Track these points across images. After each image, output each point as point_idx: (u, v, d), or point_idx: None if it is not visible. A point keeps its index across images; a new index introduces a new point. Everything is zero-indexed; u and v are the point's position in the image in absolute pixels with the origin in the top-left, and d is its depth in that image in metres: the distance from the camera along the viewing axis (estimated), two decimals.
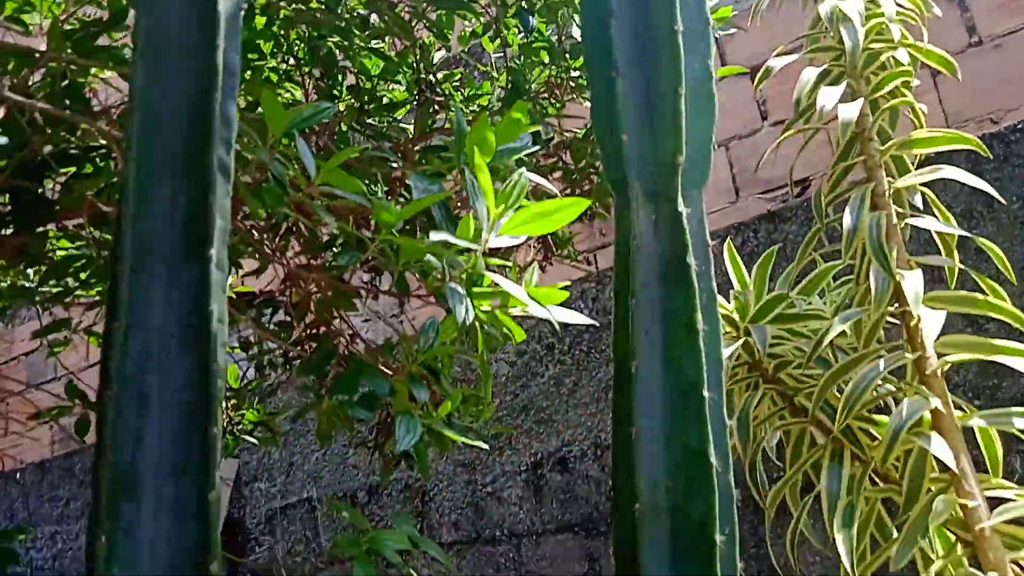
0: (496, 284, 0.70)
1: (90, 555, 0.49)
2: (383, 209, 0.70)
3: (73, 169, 1.12)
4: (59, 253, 1.38)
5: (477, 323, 0.76)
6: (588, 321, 0.81)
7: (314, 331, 1.50)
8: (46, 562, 3.33)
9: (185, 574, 0.50)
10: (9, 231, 1.06)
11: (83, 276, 1.39)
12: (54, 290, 1.47)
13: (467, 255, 0.71)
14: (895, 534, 0.95)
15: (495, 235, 0.69)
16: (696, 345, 0.54)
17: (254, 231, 1.32)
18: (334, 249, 1.46)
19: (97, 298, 1.50)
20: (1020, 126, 1.82)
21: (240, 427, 1.66)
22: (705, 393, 0.54)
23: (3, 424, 3.54)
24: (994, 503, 0.90)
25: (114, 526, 0.49)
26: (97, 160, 1.18)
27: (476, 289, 0.70)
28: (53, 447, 3.53)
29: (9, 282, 1.53)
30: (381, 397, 0.89)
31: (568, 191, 1.70)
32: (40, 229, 1.32)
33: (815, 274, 1.21)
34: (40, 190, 1.16)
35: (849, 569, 0.82)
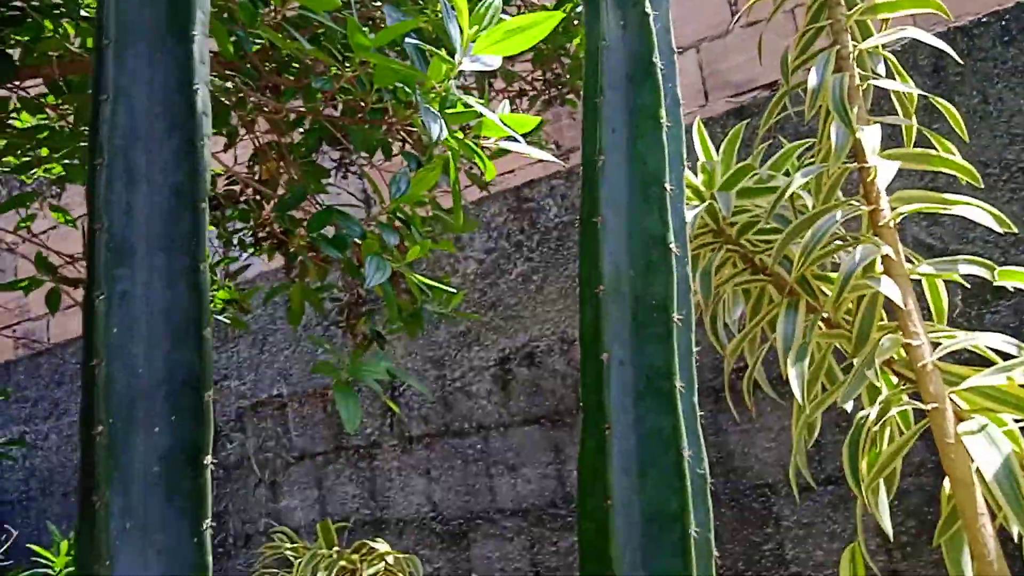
0: (469, 106, 0.71)
1: (88, 318, 0.51)
2: (357, 31, 0.71)
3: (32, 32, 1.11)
4: (21, 122, 1.36)
5: (450, 154, 0.78)
6: (553, 159, 0.84)
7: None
8: (16, 462, 3.36)
9: (179, 335, 0.52)
10: None
11: (45, 151, 1.38)
12: (19, 160, 1.45)
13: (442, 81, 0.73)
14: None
15: (469, 58, 0.70)
16: (660, 138, 0.56)
17: (222, 100, 1.31)
18: (301, 130, 1.46)
19: (64, 174, 1.49)
20: (984, 20, 1.85)
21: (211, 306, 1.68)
22: (667, 185, 0.57)
23: None
24: (937, 348, 0.95)
25: (110, 289, 0.51)
26: (58, 21, 1.16)
27: (449, 111, 0.72)
28: (17, 351, 3.52)
29: None
30: (351, 241, 0.91)
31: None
32: (1, 92, 1.30)
33: (782, 152, 1.24)
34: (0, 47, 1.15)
35: (800, 399, 0.87)
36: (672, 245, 0.56)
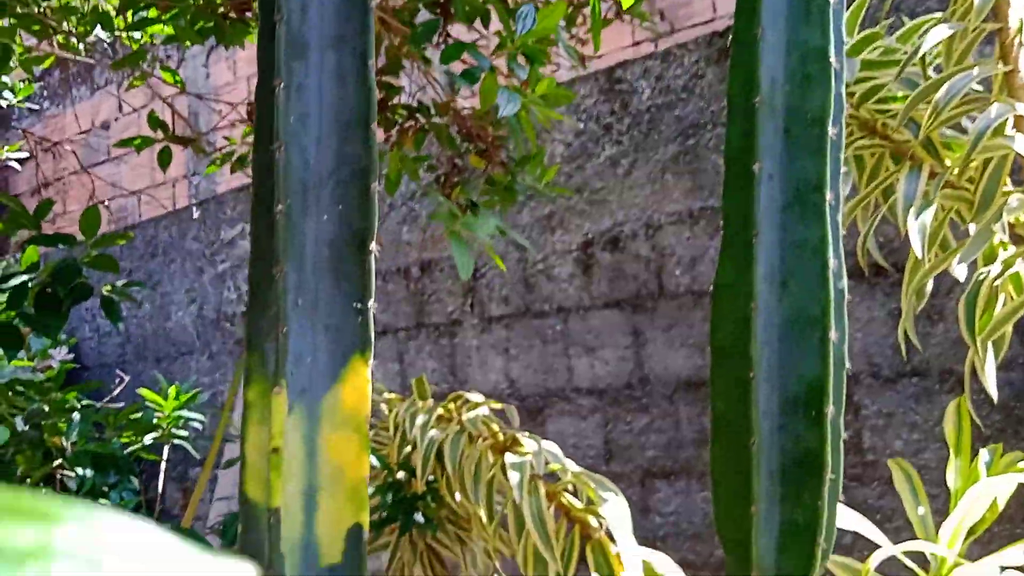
0: None
1: (268, 106, 0.54)
2: None
3: None
4: None
5: None
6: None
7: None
8: (138, 305, 3.55)
9: (347, 130, 0.55)
10: None
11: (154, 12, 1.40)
12: (132, 19, 1.48)
13: None
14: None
15: None
16: None
17: None
18: None
19: (173, 32, 1.52)
20: None
21: None
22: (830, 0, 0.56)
23: (61, 205, 3.66)
24: None
25: (288, 81, 0.54)
26: None
27: None
28: (110, 226, 3.66)
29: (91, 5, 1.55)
30: (479, 74, 0.92)
31: None
32: None
33: (911, 25, 1.19)
34: None
35: (919, 253, 0.87)
36: (832, 59, 0.56)
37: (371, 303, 0.55)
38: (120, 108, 3.47)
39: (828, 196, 0.55)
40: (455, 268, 2.80)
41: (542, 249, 2.56)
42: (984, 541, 0.92)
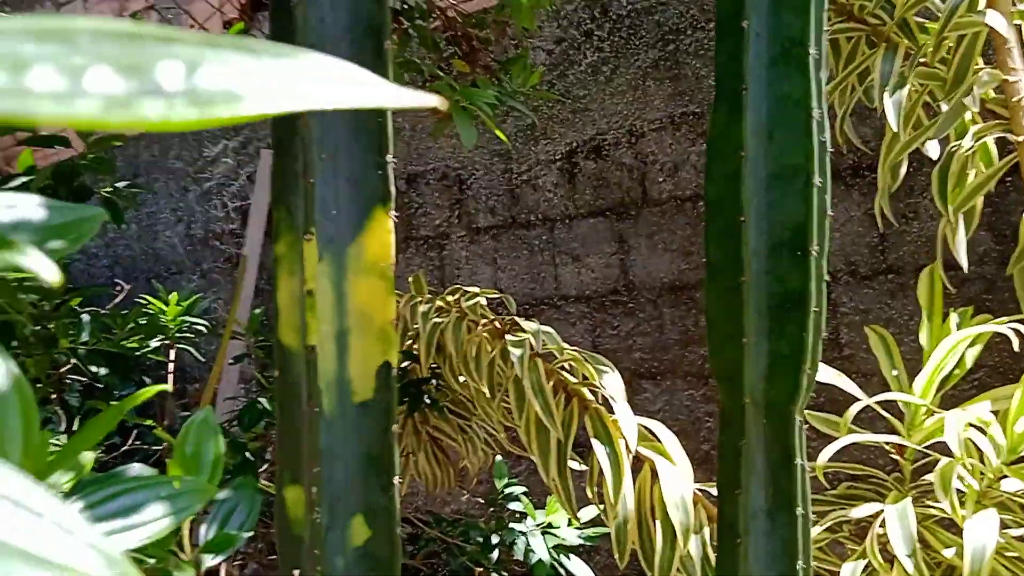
0: None
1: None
2: None
3: None
4: None
5: None
6: None
7: None
8: (124, 228, 3.55)
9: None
10: None
11: None
12: None
13: None
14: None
15: None
16: None
17: None
18: None
19: None
20: None
21: None
22: None
23: None
24: None
25: None
26: None
27: None
28: None
29: None
30: None
31: None
32: None
33: None
34: None
35: (896, 127, 0.92)
36: None
37: (389, 157, 0.59)
38: None
39: (812, 51, 0.60)
40: (441, 180, 2.82)
41: (527, 159, 2.59)
42: (955, 398, 0.99)
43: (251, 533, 0.47)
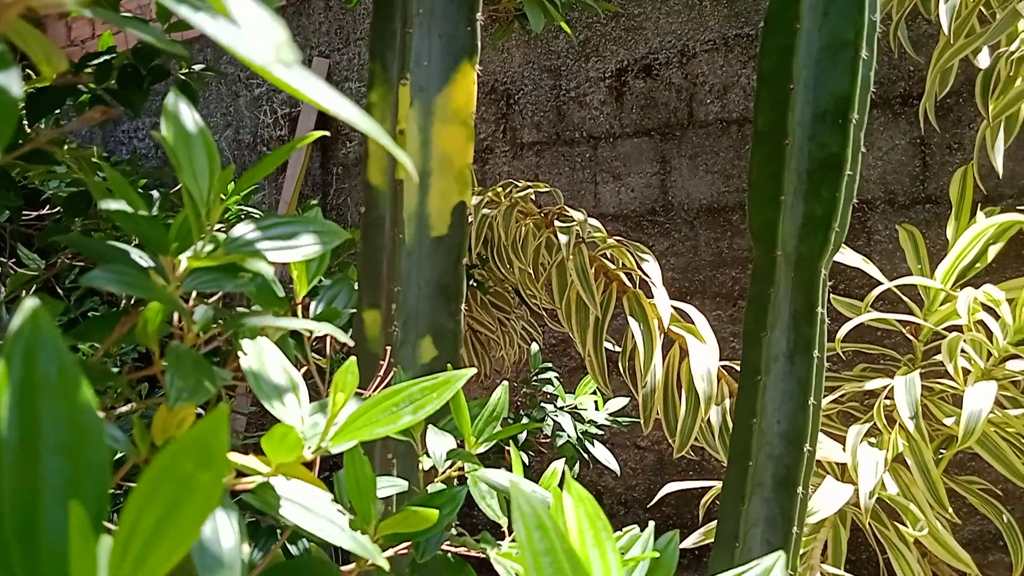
0: None
1: None
2: None
3: None
4: None
5: None
6: None
7: None
8: (148, 150, 3.66)
9: None
10: None
11: None
12: None
13: None
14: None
15: None
16: None
17: None
18: None
19: None
20: None
21: None
22: None
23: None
24: None
25: None
26: None
27: None
28: None
29: None
30: None
31: None
32: None
33: None
34: None
35: (947, 29, 0.96)
36: None
37: (479, 15, 0.66)
38: None
39: None
40: (490, 95, 2.85)
41: (576, 76, 2.62)
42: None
43: (353, 311, 0.54)
